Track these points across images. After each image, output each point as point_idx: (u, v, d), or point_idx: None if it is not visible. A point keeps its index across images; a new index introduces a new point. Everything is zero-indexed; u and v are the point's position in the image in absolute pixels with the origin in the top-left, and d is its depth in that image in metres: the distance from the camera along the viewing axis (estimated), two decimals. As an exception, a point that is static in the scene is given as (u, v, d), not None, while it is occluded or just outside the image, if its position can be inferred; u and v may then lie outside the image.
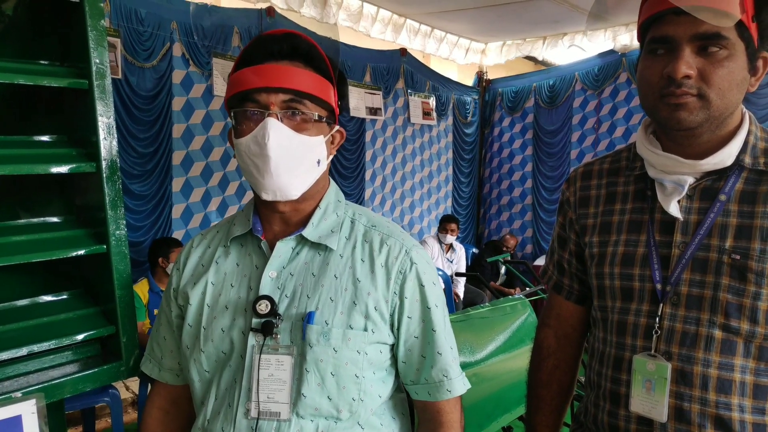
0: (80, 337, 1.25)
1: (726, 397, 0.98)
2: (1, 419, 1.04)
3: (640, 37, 1.04)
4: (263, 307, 1.01)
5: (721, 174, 1.01)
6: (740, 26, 0.93)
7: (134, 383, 4.19)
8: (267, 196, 1.01)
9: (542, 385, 1.28)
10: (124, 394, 4.03)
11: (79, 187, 1.34)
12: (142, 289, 3.54)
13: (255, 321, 1.02)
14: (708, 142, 1.01)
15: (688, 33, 0.94)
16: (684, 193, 1.02)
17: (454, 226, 5.60)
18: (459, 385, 1.09)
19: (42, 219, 1.33)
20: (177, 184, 4.46)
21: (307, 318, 1.00)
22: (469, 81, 7.46)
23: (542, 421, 1.28)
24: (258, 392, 1.00)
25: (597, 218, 1.16)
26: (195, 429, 1.09)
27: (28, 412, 1.07)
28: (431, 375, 1.07)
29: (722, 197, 1.00)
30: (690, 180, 1.02)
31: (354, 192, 5.78)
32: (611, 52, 6.15)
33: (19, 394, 1.10)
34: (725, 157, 1.00)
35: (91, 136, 1.25)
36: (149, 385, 3.61)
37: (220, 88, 4.51)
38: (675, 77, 0.94)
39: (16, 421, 1.06)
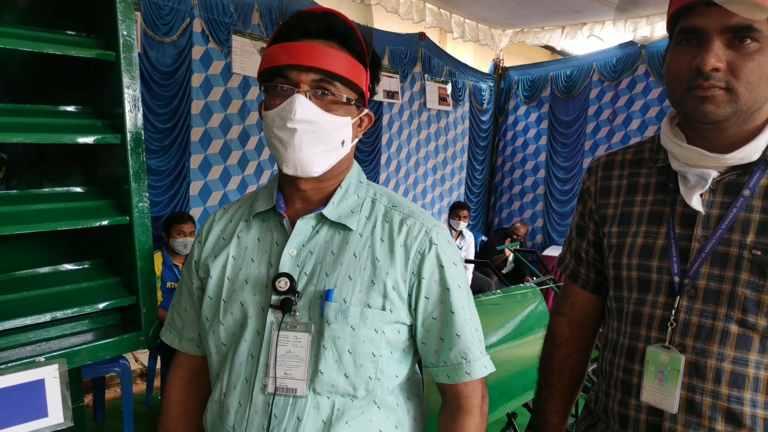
0: (101, 305, 1.28)
1: (738, 392, 0.98)
2: (25, 382, 1.07)
3: (669, 28, 1.03)
4: (282, 284, 1.02)
5: (746, 169, 1.00)
6: None
7: (143, 355, 4.25)
8: (288, 170, 1.02)
9: (554, 373, 1.29)
10: (134, 366, 4.09)
11: (103, 158, 1.36)
12: (156, 261, 3.59)
13: (274, 298, 1.03)
14: (734, 136, 1.00)
15: (718, 25, 0.92)
16: (707, 186, 1.02)
17: (465, 212, 5.59)
18: (479, 367, 1.08)
19: (66, 189, 1.35)
20: (195, 160, 4.48)
21: (326, 295, 1.01)
22: (485, 68, 7.40)
23: (553, 407, 1.29)
24: (275, 368, 1.01)
25: (617, 209, 1.15)
26: (211, 401, 1.10)
27: (51, 377, 1.10)
28: (449, 357, 1.07)
29: (746, 192, 0.99)
30: (713, 174, 1.01)
31: (369, 176, 5.77)
32: (631, 43, 6.08)
33: (42, 359, 1.13)
34: (751, 151, 0.99)
35: (116, 108, 1.26)
36: (158, 357, 3.67)
37: (239, 65, 4.50)
38: (703, 69, 0.93)
39: (39, 385, 1.09)
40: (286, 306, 1.02)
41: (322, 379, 1.01)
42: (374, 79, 1.10)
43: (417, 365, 1.18)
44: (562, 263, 1.32)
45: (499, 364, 2.49)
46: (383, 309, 1.02)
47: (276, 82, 1.00)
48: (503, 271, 6.06)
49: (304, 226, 1.07)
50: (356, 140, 1.08)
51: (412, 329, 1.09)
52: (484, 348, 1.10)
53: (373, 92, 1.10)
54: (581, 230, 1.25)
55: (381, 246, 1.05)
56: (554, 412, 1.29)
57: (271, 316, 1.03)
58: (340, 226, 1.07)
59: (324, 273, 1.04)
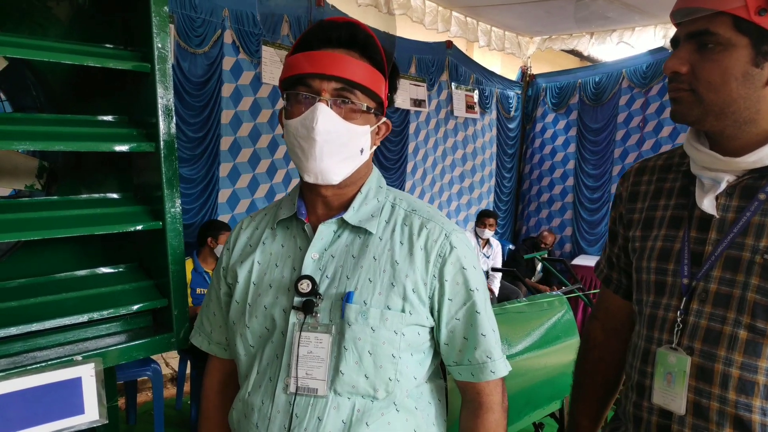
0: (135, 307, 1.32)
1: (747, 399, 0.97)
2: (63, 380, 1.12)
3: None
4: (304, 286, 1.05)
5: (763, 173, 1.00)
6: (738, 21, 0.92)
7: (174, 360, 4.33)
8: (309, 179, 1.05)
9: (586, 375, 1.32)
10: (164, 370, 4.17)
11: (137, 165, 1.41)
12: (186, 267, 3.66)
13: (296, 299, 1.06)
14: (740, 139, 1.00)
15: (683, 32, 0.99)
16: (720, 190, 1.02)
17: (492, 221, 5.57)
18: (502, 366, 1.11)
19: (102, 195, 1.40)
20: (224, 169, 4.56)
21: (346, 297, 1.04)
22: (512, 75, 7.38)
23: (583, 409, 1.31)
24: (297, 368, 1.04)
25: (642, 213, 1.17)
26: (237, 400, 1.14)
27: (88, 375, 1.15)
28: (475, 356, 1.09)
29: (761, 196, 0.99)
30: (728, 177, 1.02)
31: (394, 184, 5.81)
32: (661, 49, 6.00)
33: (79, 358, 1.17)
34: (764, 155, 0.98)
35: (150, 118, 1.31)
36: (188, 362, 3.74)
37: (269, 75, 4.59)
38: (665, 73, 1.00)
39: (76, 383, 1.13)
40: (307, 307, 1.04)
41: (343, 380, 1.03)
42: (393, 89, 1.12)
43: (440, 371, 1.19)
44: (598, 268, 1.35)
45: (525, 372, 2.50)
46: (403, 311, 1.04)
47: (298, 90, 1.03)
48: (532, 280, 6.01)
49: (326, 230, 1.09)
50: (374, 147, 1.11)
51: (431, 331, 1.11)
52: (501, 348, 1.13)
53: (391, 101, 1.12)
54: (613, 235, 1.28)
55: (400, 249, 1.07)
56: (585, 414, 1.31)
57: (293, 318, 1.06)
58: (360, 230, 1.09)
59: (345, 276, 1.06)
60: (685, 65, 0.98)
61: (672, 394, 1.03)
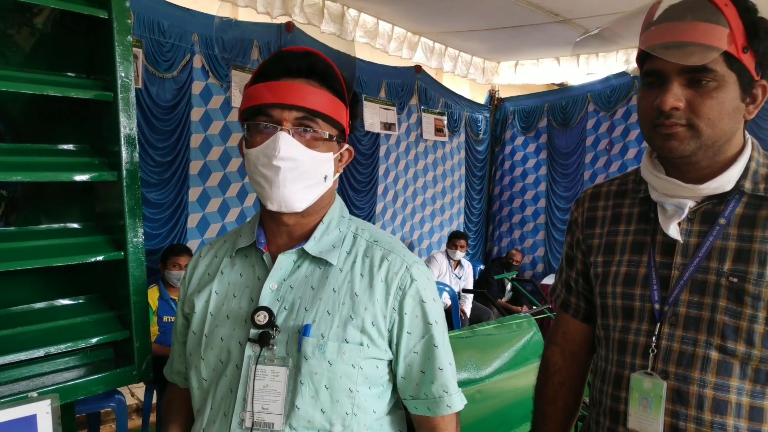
0: (94, 340, 1.29)
1: (721, 418, 1.00)
2: (17, 418, 1.08)
3: (640, 69, 1.09)
4: (261, 318, 1.03)
5: (722, 198, 1.04)
6: (729, 58, 0.96)
7: (140, 390, 4.21)
8: (272, 207, 1.03)
9: (548, 402, 1.30)
10: (129, 401, 4.05)
11: (100, 195, 1.39)
12: (152, 295, 3.59)
13: (253, 332, 1.04)
14: (707, 168, 1.04)
15: (676, 67, 0.98)
16: (684, 216, 1.05)
17: (463, 242, 5.61)
18: (458, 400, 1.10)
19: (62, 225, 1.38)
20: (194, 193, 4.51)
21: (304, 330, 1.02)
22: (481, 99, 7.51)
23: None
24: (253, 402, 1.01)
25: (602, 238, 1.19)
26: None
27: (43, 412, 1.11)
28: (431, 390, 1.08)
29: (722, 221, 1.03)
30: (690, 203, 1.05)
31: (366, 206, 5.82)
32: (624, 73, 6.18)
33: (35, 394, 1.13)
34: (725, 182, 1.03)
35: (113, 146, 1.29)
36: (154, 392, 3.65)
37: (238, 100, 4.54)
38: (663, 109, 0.99)
39: (31, 420, 1.09)
40: (264, 339, 1.02)
41: (299, 415, 1.01)
42: (354, 116, 1.12)
43: (401, 402, 1.18)
44: (555, 292, 1.35)
45: (496, 394, 2.50)
46: (361, 344, 1.03)
47: (259, 120, 1.02)
48: (503, 299, 6.05)
49: (286, 260, 1.08)
50: (338, 174, 1.11)
51: (390, 364, 1.10)
52: (457, 382, 1.12)
53: (353, 128, 1.12)
54: (570, 260, 1.29)
55: (360, 281, 1.06)
56: None
57: (249, 350, 1.04)
58: (321, 261, 1.08)
59: (303, 308, 1.05)
60: (682, 101, 0.98)
61: (648, 418, 1.04)
